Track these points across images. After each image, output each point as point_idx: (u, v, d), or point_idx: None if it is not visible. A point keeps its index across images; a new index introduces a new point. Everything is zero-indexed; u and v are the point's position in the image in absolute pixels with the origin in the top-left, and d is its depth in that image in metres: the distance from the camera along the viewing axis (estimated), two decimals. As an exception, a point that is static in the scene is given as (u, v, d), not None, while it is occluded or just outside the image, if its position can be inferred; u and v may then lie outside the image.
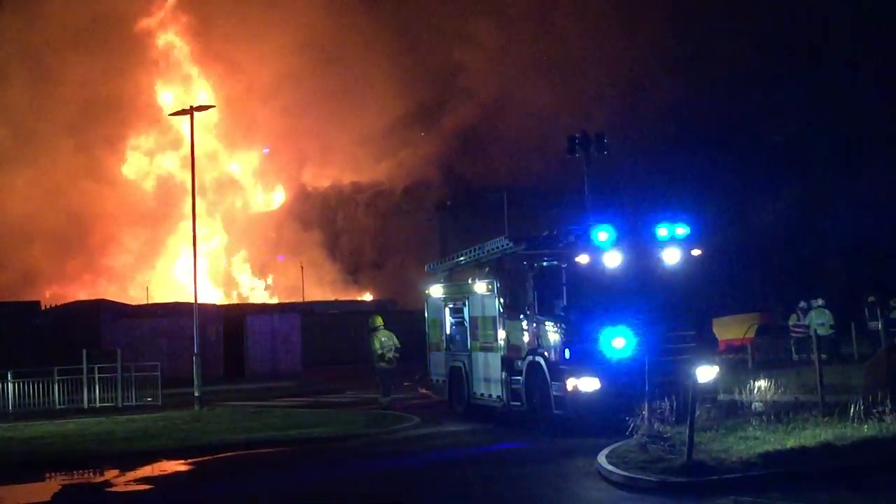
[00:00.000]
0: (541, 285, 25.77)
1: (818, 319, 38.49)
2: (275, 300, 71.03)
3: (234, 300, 70.35)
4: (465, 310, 29.72)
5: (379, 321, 32.73)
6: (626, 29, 68.24)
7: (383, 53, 70.50)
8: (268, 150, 75.60)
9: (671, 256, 25.36)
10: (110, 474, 23.43)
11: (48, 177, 69.17)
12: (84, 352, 36.82)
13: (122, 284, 70.23)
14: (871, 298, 40.32)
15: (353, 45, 71.11)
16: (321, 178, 75.48)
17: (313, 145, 73.81)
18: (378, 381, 32.58)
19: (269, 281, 75.42)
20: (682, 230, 25.50)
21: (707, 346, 25.57)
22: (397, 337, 32.44)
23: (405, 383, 38.53)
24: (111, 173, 72.56)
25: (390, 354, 31.99)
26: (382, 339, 32.11)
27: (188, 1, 73.97)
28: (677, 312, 25.07)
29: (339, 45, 71.26)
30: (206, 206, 69.36)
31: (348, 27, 70.99)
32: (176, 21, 74.81)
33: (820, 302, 39.80)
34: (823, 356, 34.83)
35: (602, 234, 24.87)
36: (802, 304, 40.70)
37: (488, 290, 28.20)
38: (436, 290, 31.78)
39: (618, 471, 18.72)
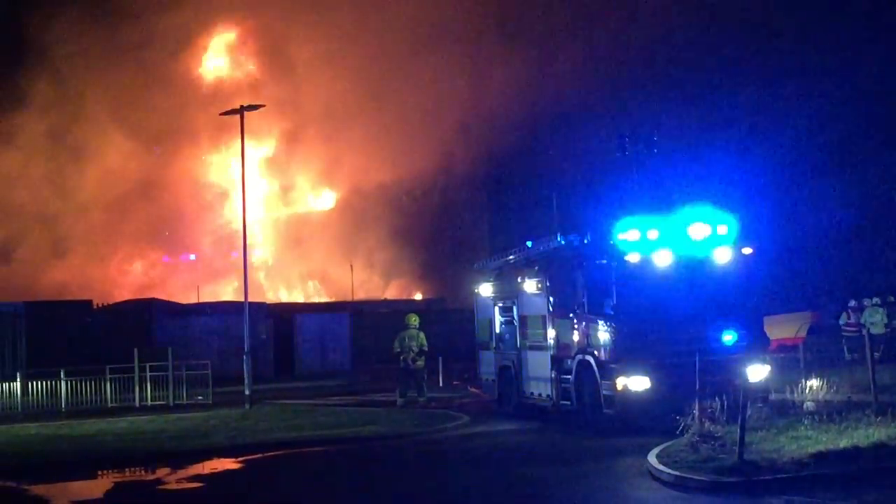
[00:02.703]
0: (591, 284, 25.72)
1: (872, 318, 38.19)
2: (324, 300, 71.23)
3: (285, 299, 70.59)
4: (515, 308, 29.68)
5: (411, 320, 33.02)
6: (675, 27, 67.93)
7: (431, 50, 70.61)
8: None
9: (722, 255, 25.24)
10: (162, 472, 23.58)
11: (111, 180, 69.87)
12: (135, 350, 37.05)
13: (173, 283, 70.60)
14: (890, 298, 40.23)
15: (400, 42, 71.29)
16: (370, 177, 75.53)
17: (363, 144, 73.96)
18: (398, 379, 33.06)
19: (314, 284, 75.73)
20: (732, 228, 25.37)
21: (758, 345, 25.42)
22: (425, 337, 32.66)
23: (454, 382, 38.60)
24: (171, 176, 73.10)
25: (406, 355, 32.26)
26: (406, 339, 32.42)
27: None
28: (728, 311, 24.97)
29: (385, 42, 71.51)
30: (258, 205, 69.69)
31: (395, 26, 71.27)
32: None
33: (875, 300, 39.49)
34: (876, 354, 34.64)
35: (651, 232, 24.84)
36: (853, 302, 40.41)
37: (538, 288, 28.14)
38: (485, 289, 31.76)
39: (668, 470, 18.63)
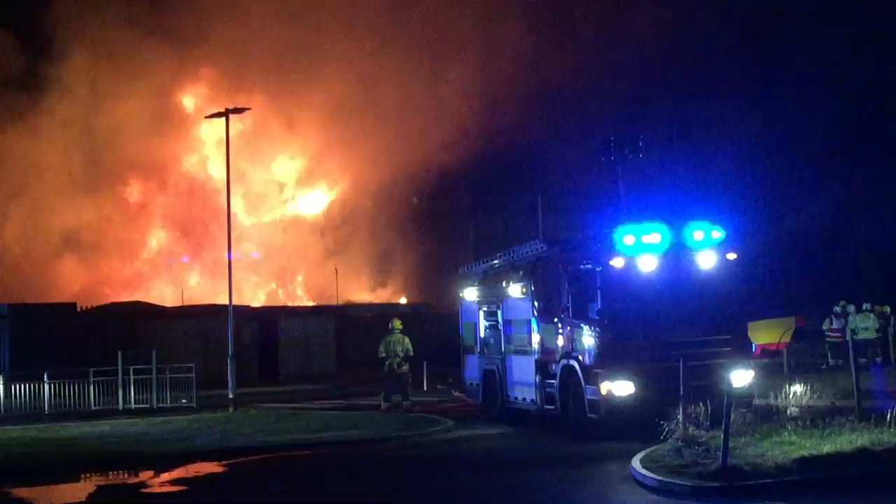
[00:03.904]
0: (575, 288, 25.73)
1: (864, 323, 38.23)
2: (309, 303, 71.14)
3: (270, 303, 70.48)
4: (499, 313, 29.67)
5: (396, 325, 33.07)
6: (660, 32, 68.03)
7: (417, 51, 70.66)
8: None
9: (706, 260, 25.27)
10: (145, 475, 23.52)
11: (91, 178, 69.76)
12: (119, 353, 36.96)
13: (157, 286, 70.47)
14: (841, 303, 40.66)
15: (385, 47, 71.32)
16: (355, 181, 75.51)
17: (348, 149, 73.93)
18: (383, 384, 33.30)
19: (300, 282, 75.64)
20: (717, 234, 25.44)
21: (742, 350, 25.46)
22: (410, 341, 32.72)
23: (438, 386, 38.58)
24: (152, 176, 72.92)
25: (391, 360, 32.35)
26: (391, 343, 32.52)
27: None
28: (712, 316, 25.00)
29: (369, 46, 71.53)
30: (245, 208, 69.65)
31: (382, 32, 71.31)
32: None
33: (865, 306, 39.51)
34: (869, 359, 34.70)
35: (636, 237, 24.87)
36: (837, 308, 40.48)
37: (522, 293, 28.13)
38: (470, 294, 31.76)
39: (652, 475, 18.65)
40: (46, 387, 35.69)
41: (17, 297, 55.99)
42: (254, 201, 73.53)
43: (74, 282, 67.21)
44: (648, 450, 20.68)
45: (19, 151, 67.82)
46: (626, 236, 24.92)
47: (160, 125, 71.04)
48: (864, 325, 38.15)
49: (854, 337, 37.38)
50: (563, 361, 25.87)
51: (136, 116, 69.47)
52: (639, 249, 24.87)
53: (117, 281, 70.06)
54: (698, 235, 25.30)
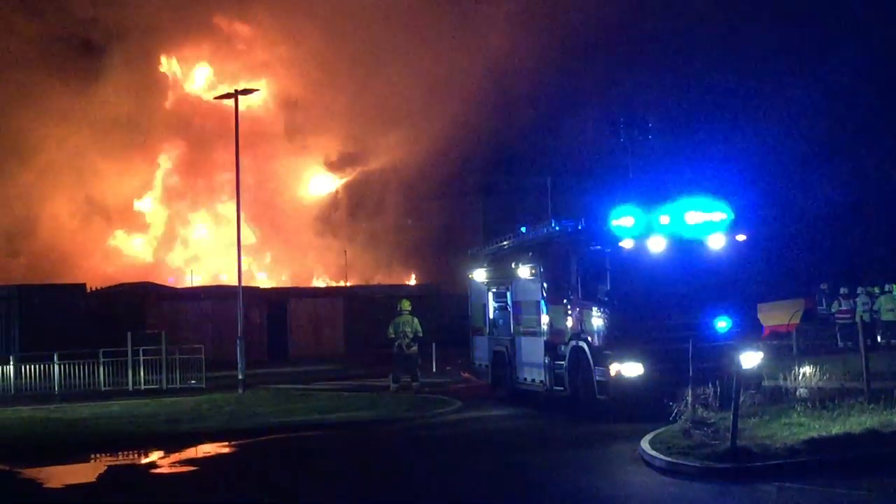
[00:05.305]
0: (584, 270, 25.74)
1: (888, 305, 38.22)
2: (318, 284, 71.18)
3: (279, 284, 70.54)
4: (509, 294, 29.71)
5: (404, 305, 33.18)
6: (669, 13, 67.91)
7: (428, 31, 70.52)
8: None
9: (716, 242, 25.26)
10: (155, 455, 23.61)
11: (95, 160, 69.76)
12: (129, 334, 37.06)
13: (166, 267, 70.52)
14: (823, 286, 40.62)
15: (396, 25, 71.17)
16: (365, 162, 75.45)
17: (358, 129, 73.89)
18: (392, 364, 33.35)
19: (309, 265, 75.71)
20: (726, 215, 25.42)
21: (751, 331, 25.46)
22: (420, 323, 32.84)
23: (447, 367, 38.63)
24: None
25: (400, 341, 32.46)
26: (400, 324, 32.61)
27: None
28: (722, 298, 24.99)
29: (380, 24, 71.40)
30: (253, 190, 69.61)
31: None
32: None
33: (887, 287, 39.47)
34: (894, 342, 34.66)
35: (646, 218, 24.87)
36: (844, 289, 40.45)
37: (532, 274, 28.12)
38: (479, 275, 31.77)
39: (661, 456, 18.66)
40: (56, 367, 35.81)
41: (43, 275, 56.50)
42: (264, 182, 73.51)
43: (97, 260, 67.42)
44: (657, 431, 20.69)
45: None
46: (635, 217, 24.91)
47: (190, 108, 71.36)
48: (889, 306, 38.16)
49: (876, 318, 37.54)
50: (572, 343, 25.90)
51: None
52: (648, 231, 24.87)
53: (131, 262, 70.14)
54: (707, 217, 25.28)
